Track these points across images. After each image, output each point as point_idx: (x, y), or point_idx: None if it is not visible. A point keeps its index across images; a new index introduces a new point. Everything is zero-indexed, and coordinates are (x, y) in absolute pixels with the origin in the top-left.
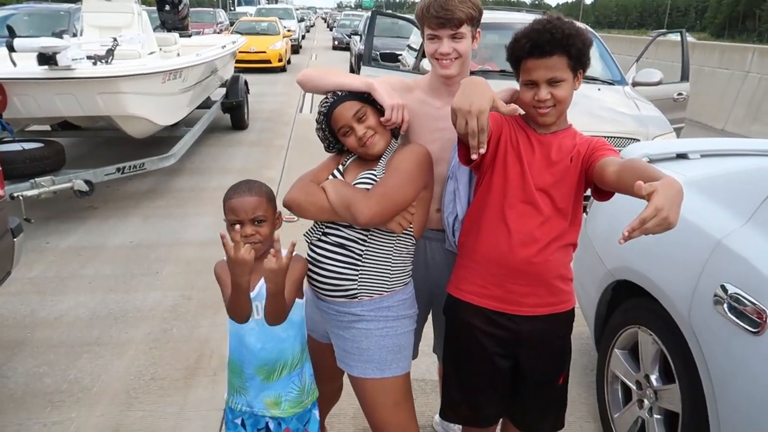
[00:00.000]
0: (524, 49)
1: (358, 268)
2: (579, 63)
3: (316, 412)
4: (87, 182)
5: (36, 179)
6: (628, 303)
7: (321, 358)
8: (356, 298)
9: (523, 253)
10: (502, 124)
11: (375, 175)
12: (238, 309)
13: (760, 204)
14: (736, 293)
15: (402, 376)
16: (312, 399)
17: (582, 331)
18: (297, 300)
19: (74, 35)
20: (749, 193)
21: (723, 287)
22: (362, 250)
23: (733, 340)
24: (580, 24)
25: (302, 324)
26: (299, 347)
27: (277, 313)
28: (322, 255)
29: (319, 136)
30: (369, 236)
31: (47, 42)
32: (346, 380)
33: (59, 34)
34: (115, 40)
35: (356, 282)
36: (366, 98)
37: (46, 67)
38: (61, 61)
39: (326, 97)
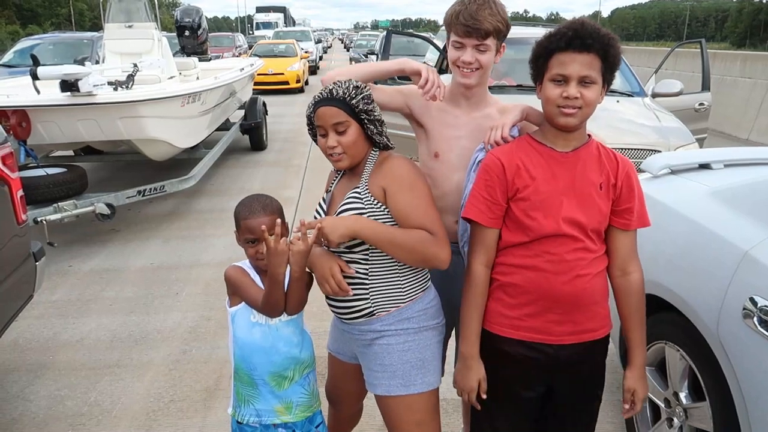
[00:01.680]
0: (564, 38)
1: (367, 286)
2: (610, 71)
3: (322, 414)
4: (108, 205)
5: (59, 203)
6: (654, 318)
7: (345, 381)
8: (374, 315)
9: (558, 283)
10: (507, 177)
11: (359, 193)
12: (274, 301)
13: None
14: (766, 306)
15: (428, 392)
16: (319, 403)
17: (608, 347)
18: None
19: (97, 62)
20: None
21: (752, 300)
22: (367, 269)
23: (765, 355)
24: None
25: (305, 332)
26: (308, 352)
27: (299, 298)
28: None
29: (308, 126)
30: (369, 254)
31: (69, 69)
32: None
33: (81, 62)
34: (135, 65)
35: (368, 300)
36: (356, 114)
37: (69, 93)
38: (83, 88)
39: (321, 91)
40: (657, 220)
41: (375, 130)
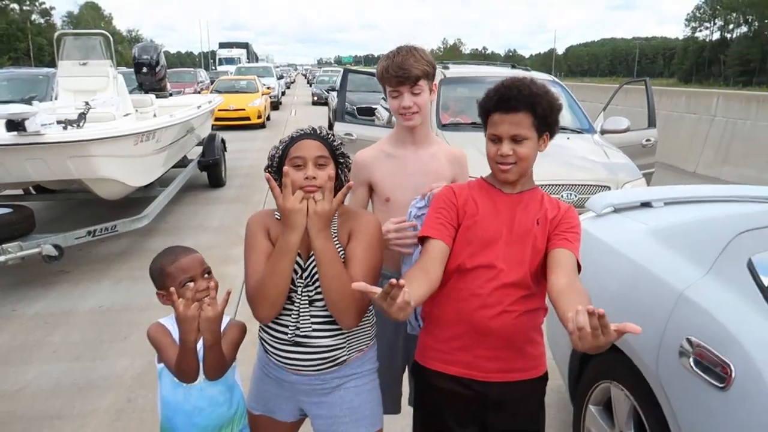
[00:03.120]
0: (491, 102)
1: (345, 333)
2: (544, 124)
3: None
4: (56, 247)
5: (3, 245)
6: (599, 357)
7: None
8: (345, 362)
9: (487, 316)
10: (458, 203)
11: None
12: (187, 367)
13: (719, 254)
14: (700, 346)
15: (381, 429)
16: None
17: (560, 384)
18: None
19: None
20: (709, 242)
21: (689, 340)
22: None
23: (701, 396)
24: (545, 76)
25: (235, 386)
26: (234, 410)
27: (217, 367)
28: (309, 336)
29: (269, 157)
30: None
31: (15, 108)
32: None
33: (28, 101)
34: (87, 103)
35: (345, 348)
36: (336, 156)
37: (15, 133)
38: (30, 127)
39: (301, 129)
40: (600, 259)
41: (345, 178)
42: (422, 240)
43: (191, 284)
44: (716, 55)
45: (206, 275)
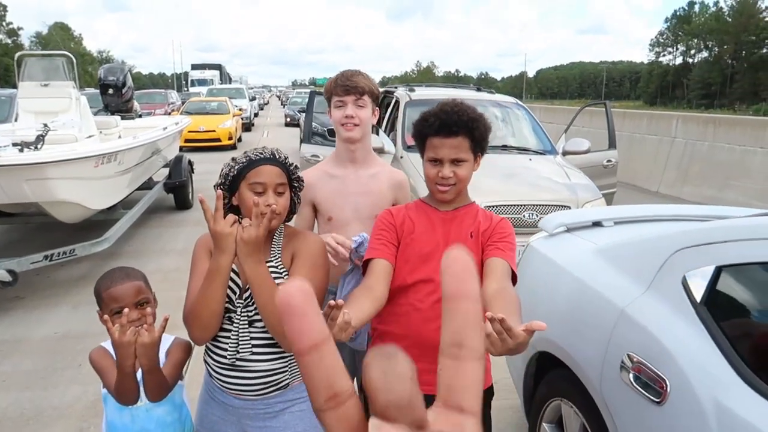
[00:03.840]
0: (432, 128)
1: (286, 357)
2: (479, 146)
3: None
4: (10, 272)
5: None
6: (550, 375)
7: None
8: (288, 386)
9: (429, 329)
10: (396, 222)
11: (276, 267)
12: (125, 390)
13: (657, 271)
14: (639, 362)
15: None
16: None
17: (518, 403)
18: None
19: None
20: (648, 260)
21: (629, 356)
22: None
23: (640, 411)
24: (509, 98)
25: (183, 406)
26: (186, 427)
27: (157, 389)
28: (250, 360)
29: (219, 186)
30: None
31: None
32: None
33: None
34: (45, 125)
35: (287, 372)
36: (291, 181)
37: None
38: None
39: (260, 150)
40: (549, 278)
41: (297, 201)
42: (366, 263)
43: (125, 310)
44: (679, 78)
45: (141, 305)
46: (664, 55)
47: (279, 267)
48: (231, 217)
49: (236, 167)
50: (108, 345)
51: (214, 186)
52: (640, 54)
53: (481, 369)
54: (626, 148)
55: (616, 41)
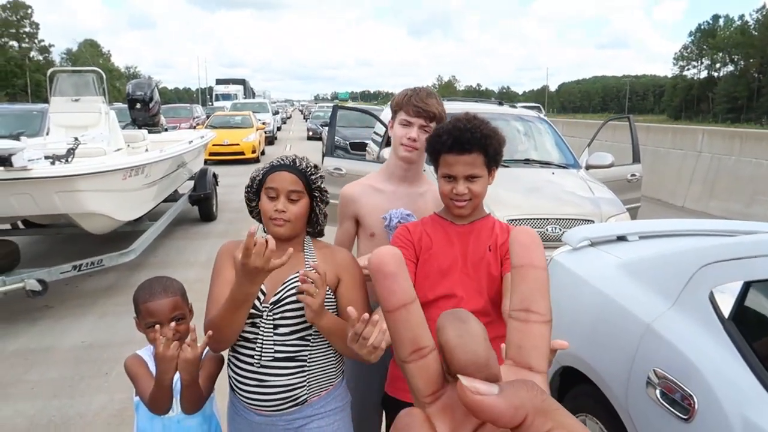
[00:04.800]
0: (446, 145)
1: (305, 372)
2: (494, 161)
3: None
4: (40, 281)
5: None
6: (574, 390)
7: None
8: (306, 402)
9: None
10: (413, 239)
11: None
12: (161, 402)
13: (684, 286)
14: (665, 378)
15: None
16: None
17: None
18: None
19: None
20: (674, 275)
21: (655, 372)
22: (308, 354)
23: (667, 428)
24: (531, 112)
25: (212, 417)
26: None
27: (194, 402)
28: (269, 374)
29: (246, 191)
30: (312, 339)
31: (1, 144)
32: None
33: (16, 136)
34: (76, 139)
35: (305, 387)
36: (311, 190)
37: (2, 168)
38: (17, 162)
39: (281, 158)
40: (572, 292)
41: (320, 212)
42: None
43: (157, 327)
44: (704, 92)
45: (177, 320)
46: (688, 69)
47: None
48: (262, 243)
49: (261, 171)
50: (143, 353)
51: (245, 188)
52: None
53: (548, 332)
54: (650, 162)
55: (639, 55)
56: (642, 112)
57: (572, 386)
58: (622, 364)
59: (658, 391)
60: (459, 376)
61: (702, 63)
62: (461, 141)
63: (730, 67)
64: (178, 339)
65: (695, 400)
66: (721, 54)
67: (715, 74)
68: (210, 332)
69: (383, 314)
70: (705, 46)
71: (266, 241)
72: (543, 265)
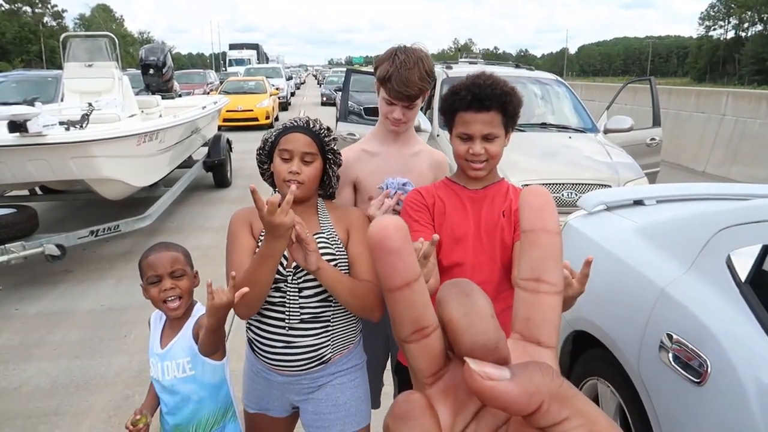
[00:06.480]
0: (464, 102)
1: (330, 331)
2: (511, 121)
3: None
4: (59, 246)
5: (6, 245)
6: (587, 354)
7: None
8: (330, 360)
9: None
10: (427, 203)
11: (326, 238)
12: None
13: (700, 250)
14: (679, 342)
15: (369, 424)
16: None
17: None
18: (216, 362)
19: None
20: (690, 239)
21: (669, 336)
22: (331, 314)
23: (680, 391)
24: (549, 75)
25: (221, 386)
26: (216, 409)
27: (215, 346)
28: (297, 335)
29: (258, 154)
30: (334, 300)
31: (17, 110)
32: None
33: (31, 102)
34: (90, 105)
35: (330, 346)
36: (325, 152)
37: (17, 134)
38: (32, 128)
39: (295, 119)
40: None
41: (333, 174)
42: None
43: (155, 284)
44: (731, 53)
45: (177, 276)
46: (714, 29)
47: (330, 237)
48: (274, 202)
49: (274, 133)
50: (154, 315)
51: (257, 151)
52: (688, 29)
53: (559, 303)
54: (671, 126)
55: (663, 16)
56: (665, 75)
57: (583, 350)
58: (635, 328)
59: (670, 355)
60: (466, 359)
61: (729, 22)
62: (480, 98)
63: (759, 27)
64: (179, 296)
65: (708, 363)
66: (749, 12)
67: (743, 34)
68: (233, 273)
69: (384, 293)
70: (733, 5)
71: (285, 196)
72: (557, 230)
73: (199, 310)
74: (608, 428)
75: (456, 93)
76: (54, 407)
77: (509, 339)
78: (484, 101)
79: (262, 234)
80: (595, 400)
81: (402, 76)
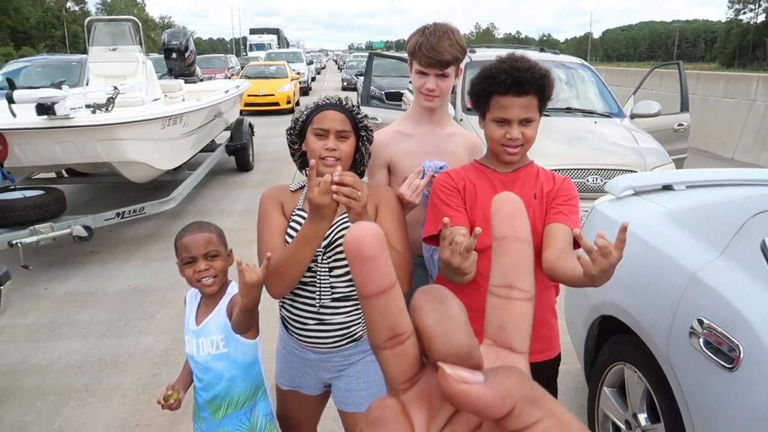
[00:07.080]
0: (503, 85)
1: (360, 310)
2: (544, 105)
3: None
4: (86, 228)
5: (35, 226)
6: (613, 339)
7: (309, 411)
8: (361, 338)
9: None
10: (458, 186)
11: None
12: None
13: (734, 235)
14: (710, 327)
15: None
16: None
17: (578, 368)
18: (249, 341)
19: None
20: (723, 224)
21: (699, 321)
22: None
23: (710, 377)
24: (574, 59)
25: (253, 364)
26: (247, 387)
27: (248, 325)
28: (329, 313)
29: (288, 133)
30: None
31: (45, 93)
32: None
33: (58, 85)
34: (115, 88)
35: (361, 324)
36: (358, 130)
37: (45, 117)
38: (59, 111)
39: (327, 98)
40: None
41: (366, 151)
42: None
43: (190, 264)
44: (761, 38)
45: (212, 257)
46: (744, 13)
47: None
48: (328, 181)
49: (305, 112)
50: (189, 293)
51: (287, 130)
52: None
53: (531, 310)
54: (699, 111)
55: None
56: (692, 60)
57: (609, 335)
58: (664, 312)
59: (701, 340)
60: (440, 363)
61: (760, 5)
62: (520, 81)
63: None
64: (213, 276)
65: (741, 349)
66: None
67: None
68: (269, 254)
69: (360, 300)
70: None
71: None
72: (528, 238)
73: (234, 288)
74: (580, 429)
75: (492, 76)
76: (84, 384)
77: (482, 345)
78: (524, 85)
79: (294, 213)
80: (621, 385)
81: (431, 43)
